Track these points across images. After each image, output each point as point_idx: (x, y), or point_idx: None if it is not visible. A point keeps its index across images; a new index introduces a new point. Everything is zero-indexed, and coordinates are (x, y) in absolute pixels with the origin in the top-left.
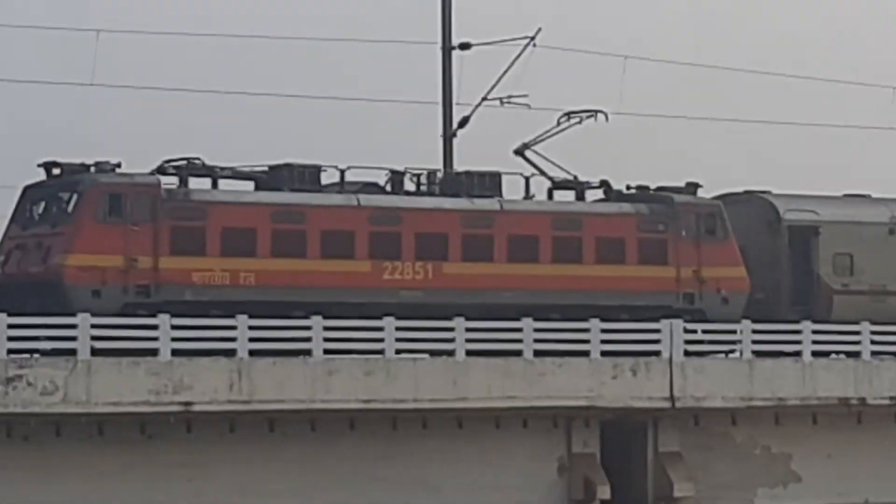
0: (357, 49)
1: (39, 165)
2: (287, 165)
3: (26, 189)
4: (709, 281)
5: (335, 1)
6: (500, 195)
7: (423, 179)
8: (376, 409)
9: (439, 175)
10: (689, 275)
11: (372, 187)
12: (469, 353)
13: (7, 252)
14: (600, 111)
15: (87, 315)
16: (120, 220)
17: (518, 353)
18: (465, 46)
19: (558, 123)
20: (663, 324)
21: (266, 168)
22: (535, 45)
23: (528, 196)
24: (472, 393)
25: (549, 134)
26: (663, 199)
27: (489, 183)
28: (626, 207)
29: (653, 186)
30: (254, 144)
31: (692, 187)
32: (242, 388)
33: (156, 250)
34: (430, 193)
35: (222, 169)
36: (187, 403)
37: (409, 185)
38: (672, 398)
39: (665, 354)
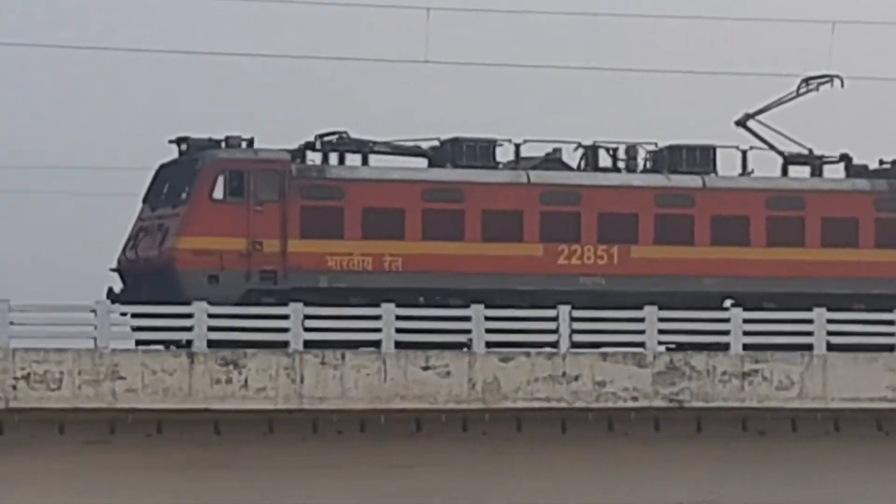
0: None
1: (171, 142)
2: (454, 140)
3: (159, 168)
4: None
5: None
6: (714, 171)
7: (622, 154)
8: None
9: (641, 150)
10: None
11: (553, 163)
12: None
13: (133, 235)
14: (836, 76)
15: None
16: (242, 200)
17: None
18: None
19: (797, 91)
20: None
21: (437, 143)
22: None
23: (744, 172)
24: None
25: (778, 102)
26: None
27: (700, 158)
28: (860, 184)
29: None
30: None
31: None
32: None
33: (284, 233)
34: (629, 170)
35: (376, 143)
36: None
37: (605, 161)
38: None
39: None
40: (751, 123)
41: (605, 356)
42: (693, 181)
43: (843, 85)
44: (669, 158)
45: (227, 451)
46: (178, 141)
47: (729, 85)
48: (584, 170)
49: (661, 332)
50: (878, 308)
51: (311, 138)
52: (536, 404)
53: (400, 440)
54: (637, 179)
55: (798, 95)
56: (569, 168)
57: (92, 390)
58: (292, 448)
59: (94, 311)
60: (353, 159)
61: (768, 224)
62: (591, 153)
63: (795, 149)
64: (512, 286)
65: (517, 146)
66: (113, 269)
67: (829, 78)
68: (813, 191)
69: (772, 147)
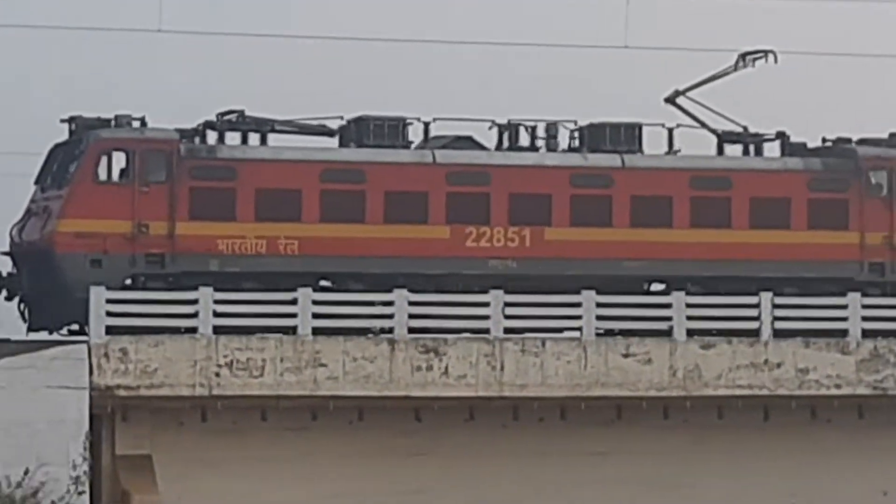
0: None
1: (63, 121)
2: (360, 119)
3: (51, 149)
4: None
5: None
6: (640, 150)
7: (542, 133)
8: None
9: (563, 128)
10: (878, 241)
11: (464, 142)
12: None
13: (22, 217)
14: (771, 51)
15: None
16: (126, 181)
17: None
18: None
19: (735, 66)
20: None
21: (344, 122)
22: None
23: (670, 151)
24: None
25: (709, 78)
26: (845, 152)
27: (625, 136)
28: (792, 163)
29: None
30: None
31: None
32: None
33: (172, 215)
34: (550, 149)
35: (278, 122)
36: None
37: (525, 141)
38: None
39: None
40: (681, 100)
41: (807, 343)
42: (611, 160)
43: (776, 60)
44: (590, 137)
45: (428, 438)
46: (69, 120)
47: (663, 60)
48: (500, 149)
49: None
50: (811, 293)
51: (213, 117)
52: (738, 392)
53: (600, 427)
54: (551, 159)
55: (735, 70)
56: (481, 147)
57: (294, 377)
58: (493, 435)
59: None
60: (254, 139)
61: (692, 205)
62: (511, 131)
63: (729, 126)
64: (417, 270)
65: (426, 125)
66: (4, 253)
67: (765, 53)
68: (741, 170)
69: (703, 125)
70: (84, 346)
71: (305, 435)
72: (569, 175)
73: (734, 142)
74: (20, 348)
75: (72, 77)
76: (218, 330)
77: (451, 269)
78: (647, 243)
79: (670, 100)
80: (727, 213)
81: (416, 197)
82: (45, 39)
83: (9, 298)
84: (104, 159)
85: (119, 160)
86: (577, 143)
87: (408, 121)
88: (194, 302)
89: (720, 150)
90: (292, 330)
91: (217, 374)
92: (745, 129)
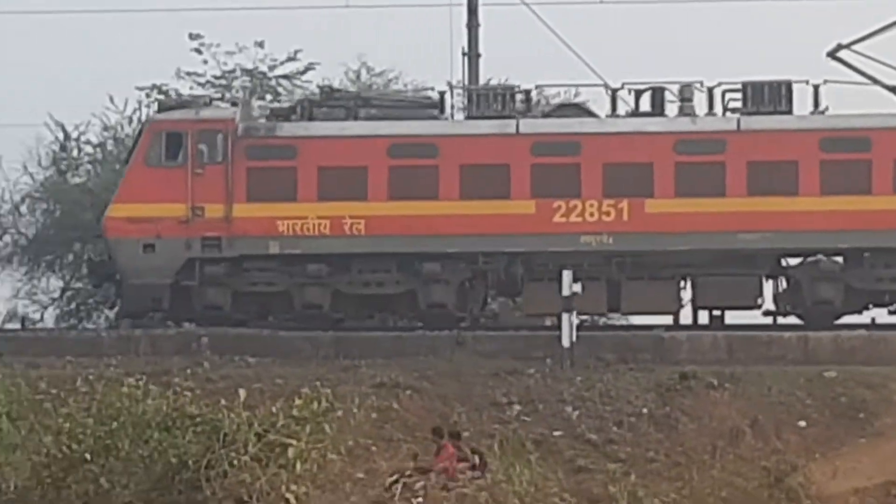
0: None
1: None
2: (484, 87)
3: None
4: None
5: None
6: (790, 111)
7: (668, 96)
8: None
9: (695, 89)
10: None
11: (568, 110)
12: None
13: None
14: None
15: None
16: (180, 163)
17: None
18: None
19: None
20: None
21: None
22: None
23: (816, 110)
24: None
25: (881, 30)
26: None
27: (769, 96)
28: None
29: None
30: None
31: None
32: None
33: (229, 197)
34: (685, 113)
35: (374, 97)
36: None
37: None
38: None
39: None
40: (844, 55)
41: None
42: (725, 123)
43: None
44: (730, 97)
45: None
46: (159, 104)
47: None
48: (613, 116)
49: None
50: None
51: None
52: None
53: None
54: (652, 124)
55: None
56: (590, 115)
57: None
58: None
59: None
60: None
61: (823, 169)
62: (636, 95)
63: None
64: (498, 248)
65: (527, 93)
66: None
67: None
68: (882, 129)
69: (875, 80)
70: None
71: None
72: (673, 141)
73: None
74: None
75: None
76: None
77: (537, 247)
78: (768, 214)
79: (832, 54)
80: (867, 177)
81: (496, 170)
82: None
83: (97, 285)
84: (157, 142)
85: (172, 142)
86: (690, 106)
87: (516, 89)
88: None
89: None
90: None
91: None
92: None
